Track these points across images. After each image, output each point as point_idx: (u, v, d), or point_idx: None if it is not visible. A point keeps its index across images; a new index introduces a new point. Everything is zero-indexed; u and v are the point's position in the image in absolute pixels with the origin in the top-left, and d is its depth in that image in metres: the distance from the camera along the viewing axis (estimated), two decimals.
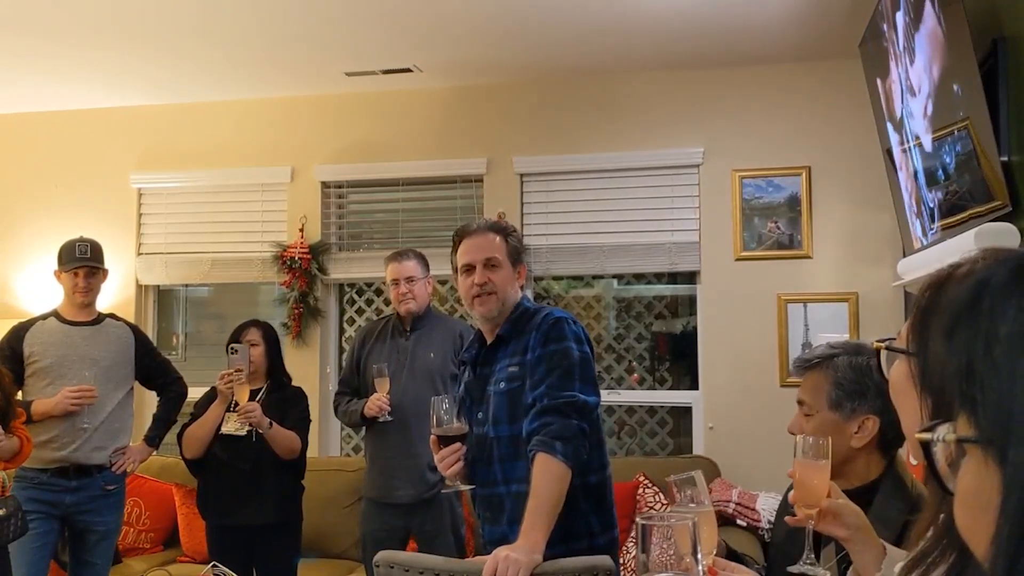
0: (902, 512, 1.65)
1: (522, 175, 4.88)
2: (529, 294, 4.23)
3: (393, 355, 3.55)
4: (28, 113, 5.39)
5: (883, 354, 1.21)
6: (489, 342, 2.41)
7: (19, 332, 3.49)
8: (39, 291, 5.12)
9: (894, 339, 1.63)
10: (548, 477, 2.10)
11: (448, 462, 2.25)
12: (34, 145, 5.43)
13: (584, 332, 2.34)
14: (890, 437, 1.73)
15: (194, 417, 3.46)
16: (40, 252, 5.20)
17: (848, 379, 1.73)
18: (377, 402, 3.39)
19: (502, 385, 2.33)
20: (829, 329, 4.46)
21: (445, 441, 2.26)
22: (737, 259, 4.59)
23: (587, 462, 2.24)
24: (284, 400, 3.50)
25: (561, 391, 2.19)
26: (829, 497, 1.54)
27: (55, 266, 3.65)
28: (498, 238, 2.40)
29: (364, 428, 3.64)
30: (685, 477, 1.51)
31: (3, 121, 5.45)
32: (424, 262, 3.61)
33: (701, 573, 1.35)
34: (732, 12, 3.89)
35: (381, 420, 3.40)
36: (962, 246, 2.73)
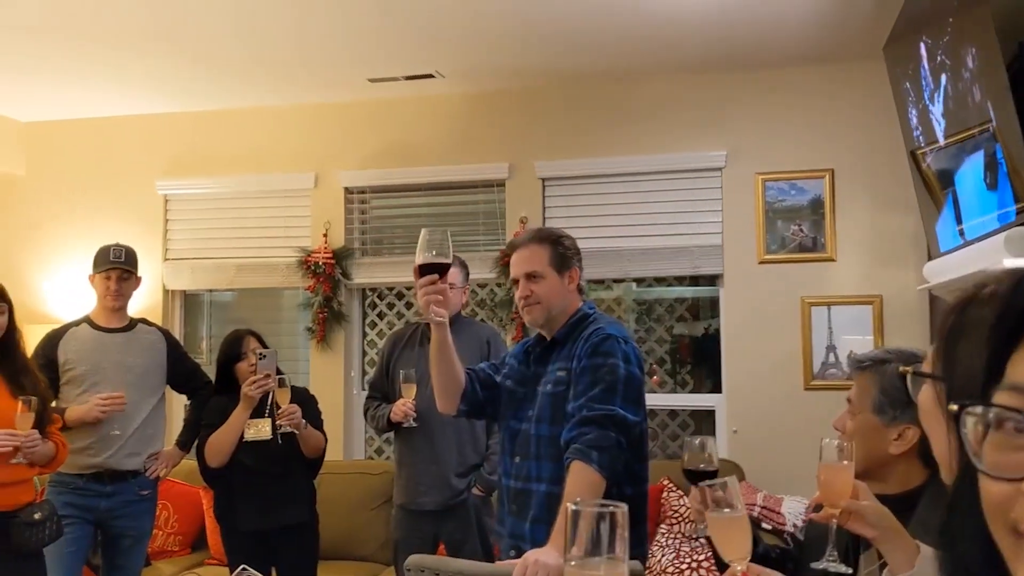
0: None
1: (544, 179, 4.90)
2: None
3: (421, 361, 3.56)
4: (57, 121, 5.47)
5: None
6: (548, 341, 2.48)
7: (53, 339, 3.54)
8: (68, 297, 5.19)
9: (921, 363, 1.66)
10: (582, 485, 2.13)
11: (427, 291, 2.19)
12: (63, 152, 5.50)
13: (636, 353, 2.37)
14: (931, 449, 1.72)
15: (211, 426, 3.43)
16: (69, 258, 5.28)
17: (895, 387, 1.73)
18: (403, 407, 3.40)
19: (549, 387, 2.40)
20: (853, 332, 4.46)
21: (424, 270, 2.20)
22: (760, 262, 4.59)
23: (625, 473, 2.27)
24: (297, 401, 3.49)
25: (601, 404, 2.23)
26: (855, 498, 1.59)
27: (87, 271, 3.69)
28: (541, 248, 2.45)
29: (392, 434, 3.67)
30: (719, 483, 1.52)
31: (33, 129, 5.53)
32: (465, 271, 3.61)
33: (738, 573, 1.40)
34: (755, 15, 3.90)
35: (406, 425, 3.42)
36: (992, 249, 2.73)
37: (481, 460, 3.50)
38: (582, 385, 2.29)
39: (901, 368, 1.18)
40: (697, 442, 1.89)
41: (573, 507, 1.06)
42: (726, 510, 1.48)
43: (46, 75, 4.69)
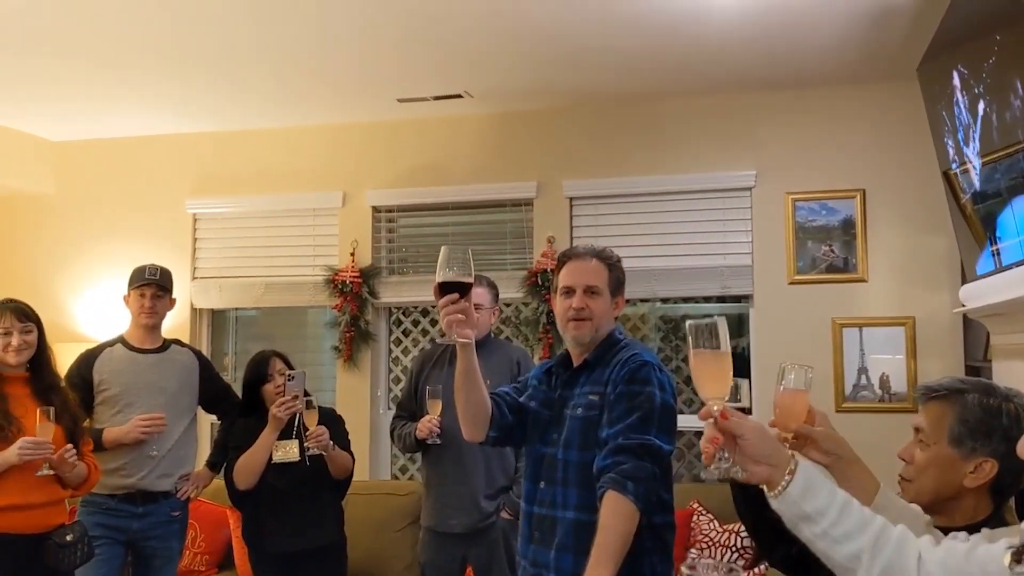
0: None
1: (571, 198, 4.89)
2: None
3: (450, 381, 3.54)
4: (87, 140, 5.52)
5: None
6: (576, 365, 2.42)
7: (88, 359, 3.55)
8: (98, 315, 5.22)
9: (1000, 398, 1.63)
10: (618, 516, 2.10)
11: (448, 311, 2.09)
12: (93, 171, 5.54)
13: (670, 381, 2.33)
14: (1005, 483, 1.67)
15: (239, 448, 3.42)
16: (99, 277, 5.32)
17: (975, 417, 1.68)
18: (428, 424, 3.36)
19: (579, 411, 2.33)
20: (885, 354, 4.41)
21: (445, 289, 2.10)
22: (791, 283, 4.55)
23: (655, 503, 2.23)
24: (324, 422, 3.48)
25: (638, 433, 2.19)
26: (811, 424, 1.66)
27: (117, 291, 3.71)
28: (602, 266, 2.41)
29: (421, 455, 3.65)
30: (707, 323, 1.45)
31: (63, 148, 5.58)
32: (495, 292, 3.58)
33: (715, 412, 1.37)
34: (785, 34, 3.88)
35: (430, 442, 3.38)
36: None
37: (510, 483, 3.47)
38: (617, 412, 2.24)
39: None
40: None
41: None
42: (708, 347, 1.44)
43: (76, 95, 4.73)
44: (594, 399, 2.32)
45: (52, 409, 2.98)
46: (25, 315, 3.08)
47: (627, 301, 4.80)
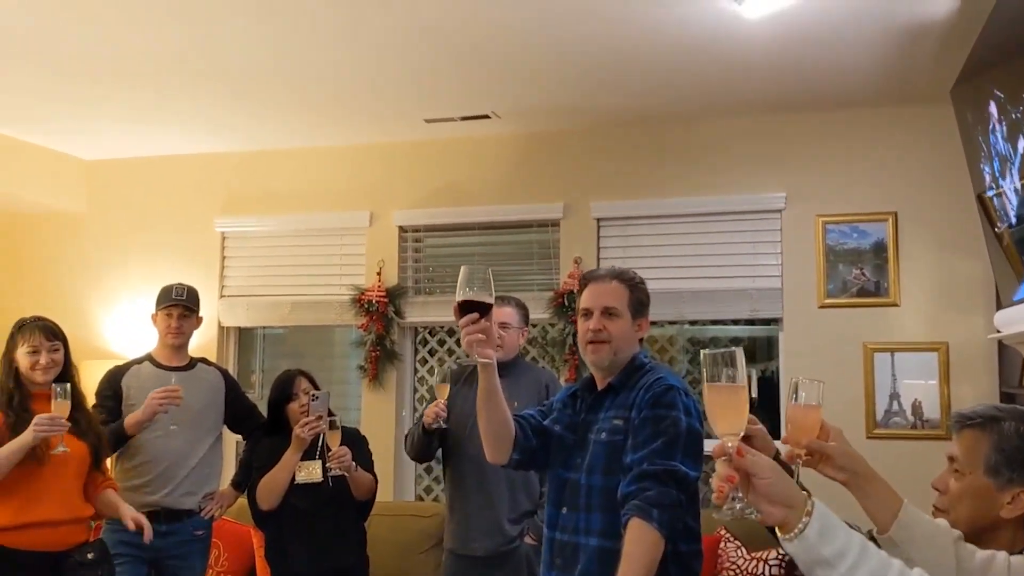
0: None
1: (599, 219, 4.86)
2: None
3: (473, 403, 3.52)
4: (118, 159, 5.58)
5: None
6: (600, 388, 2.38)
7: (117, 374, 3.57)
8: (127, 333, 5.26)
9: None
10: (643, 544, 2.05)
11: (469, 331, 2.06)
12: (123, 190, 5.60)
13: (695, 405, 2.28)
14: None
15: (262, 468, 3.41)
16: (129, 295, 5.36)
17: (1012, 446, 1.63)
18: (434, 408, 3.31)
19: (603, 435, 2.28)
20: (918, 379, 4.33)
21: (465, 308, 2.08)
22: (821, 306, 4.49)
23: (681, 530, 2.18)
24: (347, 442, 3.46)
25: (663, 459, 2.14)
26: (825, 440, 1.63)
27: (146, 308, 3.74)
28: (622, 287, 2.37)
29: (444, 476, 3.61)
30: (723, 353, 1.39)
31: (95, 167, 5.65)
32: (523, 313, 3.54)
33: (730, 449, 1.30)
34: (816, 54, 3.84)
35: (435, 427, 3.32)
36: None
37: (535, 507, 3.43)
38: (642, 437, 2.20)
39: None
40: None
41: None
42: (724, 379, 1.37)
43: (108, 115, 4.79)
44: (618, 424, 2.27)
45: (67, 386, 3.00)
46: (53, 334, 3.11)
47: (654, 323, 4.84)
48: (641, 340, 2.44)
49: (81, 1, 3.38)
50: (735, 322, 4.85)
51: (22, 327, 3.11)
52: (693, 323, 4.93)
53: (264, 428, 3.65)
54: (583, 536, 2.27)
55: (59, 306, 4.89)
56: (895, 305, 4.39)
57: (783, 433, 1.74)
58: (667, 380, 2.28)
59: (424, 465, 5.27)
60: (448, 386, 3.35)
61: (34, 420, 2.92)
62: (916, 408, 4.32)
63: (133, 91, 4.39)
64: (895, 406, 4.35)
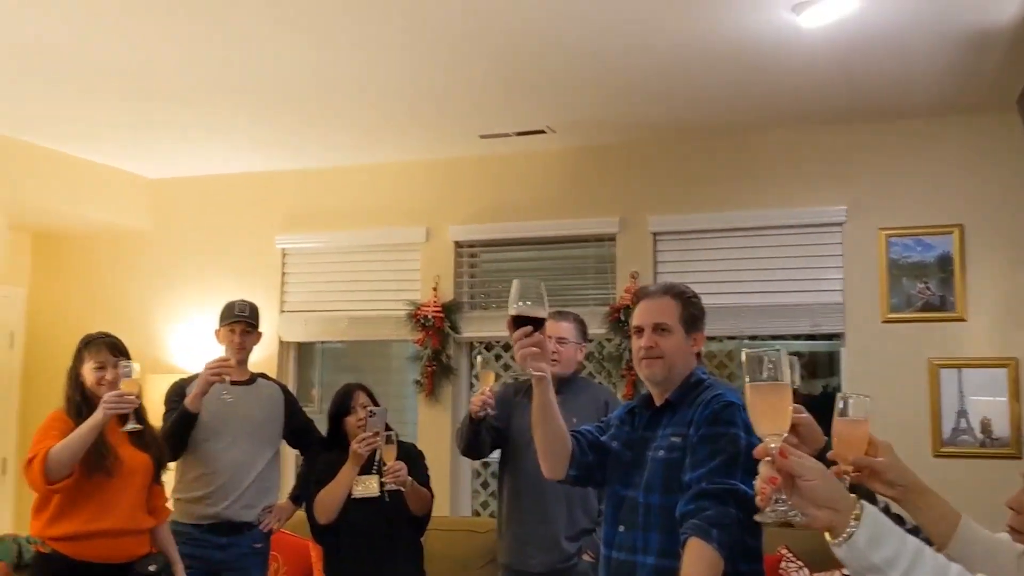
0: None
1: (656, 234, 4.83)
2: None
3: (530, 418, 3.50)
4: (181, 178, 5.72)
5: None
6: (658, 405, 2.35)
7: (183, 385, 3.63)
8: (190, 347, 5.36)
9: None
10: (702, 564, 2.02)
11: (523, 344, 2.05)
12: (186, 208, 5.74)
13: None
14: None
15: (320, 482, 3.44)
16: (192, 310, 5.48)
17: None
18: (480, 397, 3.27)
19: (661, 453, 2.25)
20: (986, 396, 4.20)
21: (519, 322, 2.06)
22: (884, 321, 4.39)
23: (740, 549, 2.14)
24: (404, 457, 3.47)
25: (722, 477, 2.11)
26: (874, 455, 1.59)
27: (209, 324, 3.80)
28: (673, 303, 2.34)
29: (498, 490, 3.60)
30: (764, 353, 1.37)
31: (159, 186, 5.79)
32: (581, 328, 3.52)
33: (772, 450, 1.26)
34: (876, 63, 3.77)
35: (483, 415, 3.28)
36: None
37: (593, 525, 3.40)
38: (701, 455, 2.17)
39: None
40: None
41: None
42: (766, 378, 1.33)
43: (172, 136, 4.92)
44: (676, 441, 2.24)
45: (135, 365, 3.05)
46: (119, 350, 3.18)
47: (712, 338, 4.79)
48: (699, 355, 2.40)
49: (145, 28, 3.48)
50: (796, 337, 4.76)
51: (89, 343, 3.18)
52: (752, 338, 4.85)
53: (323, 441, 3.68)
54: (640, 555, 2.24)
55: (124, 321, 5.02)
56: (961, 320, 4.27)
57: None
58: (726, 396, 2.24)
59: (480, 480, 5.27)
60: (492, 373, 3.32)
61: (103, 398, 2.98)
62: (985, 426, 4.19)
63: (195, 112, 4.50)
64: (962, 423, 4.22)
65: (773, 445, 1.27)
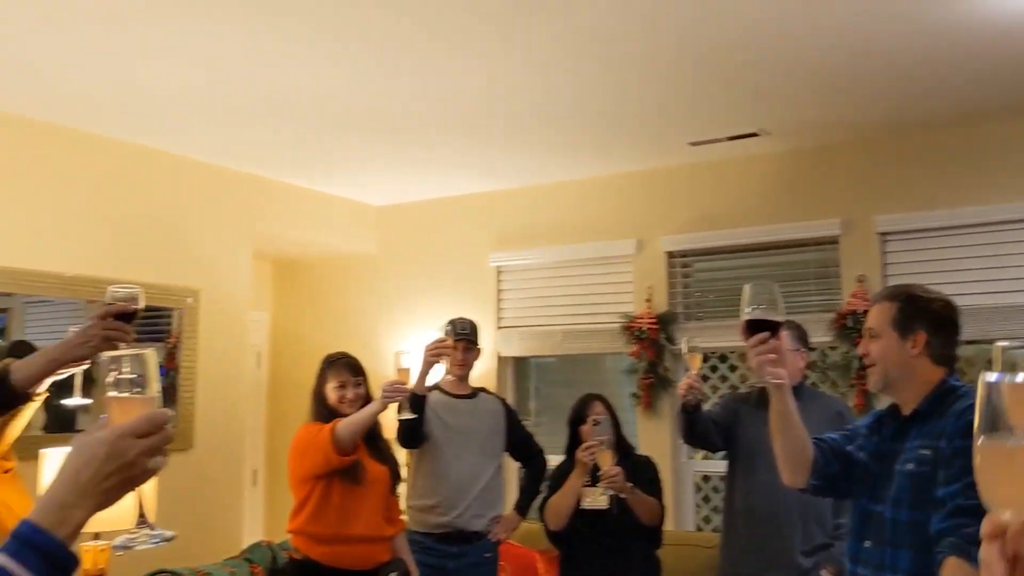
0: None
1: (883, 234, 4.56)
2: None
3: (764, 428, 3.39)
4: (402, 204, 6.04)
5: None
6: (906, 415, 2.22)
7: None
8: (416, 365, 5.61)
9: None
10: None
11: (759, 351, 2.00)
12: (407, 231, 6.05)
13: None
14: None
15: (553, 488, 3.52)
16: (414, 327, 5.74)
17: None
18: (687, 381, 3.20)
19: (910, 466, 2.12)
20: None
21: (753, 327, 2.02)
22: None
23: None
24: (634, 467, 3.46)
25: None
26: None
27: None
28: (887, 305, 2.22)
29: (724, 502, 3.51)
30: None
31: (383, 212, 6.15)
32: (800, 334, 3.41)
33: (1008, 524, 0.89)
34: None
35: (692, 401, 3.20)
36: None
37: (829, 539, 3.24)
38: (956, 469, 2.01)
39: None
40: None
41: None
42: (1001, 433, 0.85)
43: (393, 166, 5.20)
44: (926, 454, 2.10)
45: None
46: (357, 370, 3.40)
47: None
48: (947, 359, 2.22)
49: (373, 73, 3.70)
50: None
51: (332, 363, 3.41)
52: (989, 342, 4.47)
53: (543, 456, 3.84)
54: (888, 573, 2.11)
55: (358, 341, 5.34)
56: None
57: None
58: None
59: (701, 494, 5.16)
60: (699, 355, 3.24)
61: (382, 388, 3.26)
62: None
63: (414, 141, 4.74)
64: None
65: (1008, 517, 0.84)
